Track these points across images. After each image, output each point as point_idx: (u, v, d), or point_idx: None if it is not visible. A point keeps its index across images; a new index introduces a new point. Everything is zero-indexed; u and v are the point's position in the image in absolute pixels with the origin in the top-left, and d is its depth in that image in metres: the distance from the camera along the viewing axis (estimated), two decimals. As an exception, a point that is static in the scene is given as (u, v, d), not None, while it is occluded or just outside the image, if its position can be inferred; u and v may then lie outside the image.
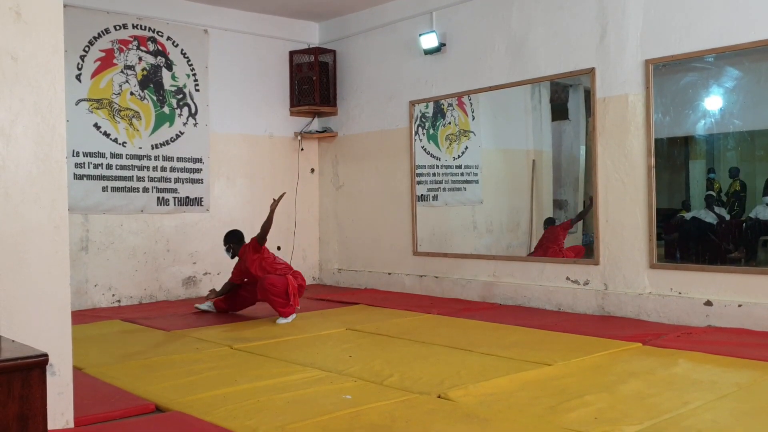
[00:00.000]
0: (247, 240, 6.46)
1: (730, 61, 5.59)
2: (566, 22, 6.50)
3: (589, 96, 6.38)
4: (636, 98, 5.99)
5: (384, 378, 4.10)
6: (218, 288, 7.00)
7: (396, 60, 8.11)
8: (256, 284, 6.27)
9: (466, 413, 3.42)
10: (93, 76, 7.26)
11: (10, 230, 3.07)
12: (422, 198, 7.95)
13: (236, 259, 6.52)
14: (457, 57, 7.47)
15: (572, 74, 6.52)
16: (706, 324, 5.54)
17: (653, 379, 4.01)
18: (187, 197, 7.87)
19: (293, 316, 6.18)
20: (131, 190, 7.47)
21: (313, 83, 8.59)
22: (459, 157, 7.84)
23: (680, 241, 6.08)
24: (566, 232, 6.97)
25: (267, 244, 6.42)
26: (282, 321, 6.07)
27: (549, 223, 7.18)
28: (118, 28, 7.44)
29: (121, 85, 7.45)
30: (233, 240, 6.51)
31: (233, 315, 6.55)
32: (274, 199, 6.38)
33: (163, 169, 7.70)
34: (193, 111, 7.97)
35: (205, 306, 6.73)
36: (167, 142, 7.75)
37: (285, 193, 6.71)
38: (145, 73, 7.63)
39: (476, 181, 7.87)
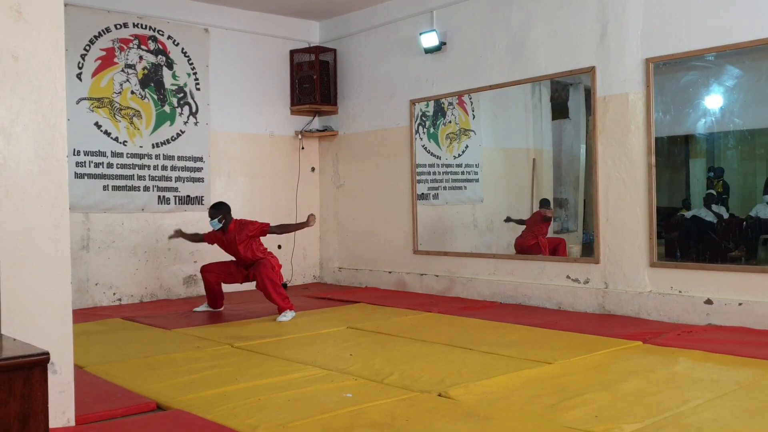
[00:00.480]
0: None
1: (730, 60, 5.59)
2: (566, 20, 6.50)
3: (589, 95, 6.38)
4: (636, 97, 5.99)
5: (384, 376, 4.10)
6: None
7: (396, 59, 8.11)
8: (224, 265, 6.48)
9: (467, 411, 3.42)
10: (94, 75, 7.26)
11: (12, 229, 3.08)
12: (423, 197, 7.95)
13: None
14: (457, 56, 7.47)
15: (573, 73, 6.52)
16: (707, 322, 5.54)
17: (653, 377, 4.01)
18: (188, 196, 7.88)
19: (293, 314, 6.19)
20: (132, 188, 7.48)
21: (314, 82, 8.59)
22: (459, 155, 7.84)
23: (680, 239, 6.08)
24: (545, 223, 7.08)
25: (267, 243, 6.56)
26: (282, 319, 6.08)
27: (541, 204, 7.20)
28: (118, 26, 7.44)
29: (121, 84, 7.46)
30: (226, 210, 6.43)
31: (234, 314, 6.55)
32: (311, 216, 6.40)
33: (164, 167, 7.70)
34: (193, 110, 7.97)
35: (202, 308, 6.74)
36: (168, 141, 7.75)
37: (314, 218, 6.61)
38: (145, 72, 7.63)
39: (477, 180, 7.87)
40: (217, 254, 6.96)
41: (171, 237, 6.82)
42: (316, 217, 6.41)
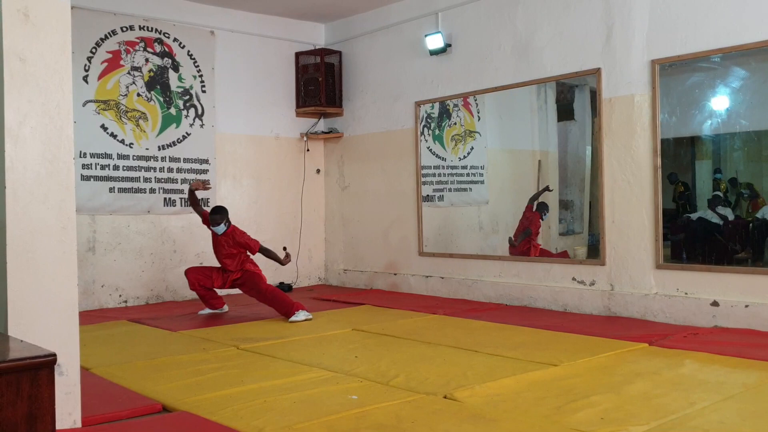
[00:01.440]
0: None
1: (736, 61, 5.57)
2: (572, 22, 6.50)
3: (595, 96, 6.38)
4: (642, 98, 5.98)
5: (390, 378, 4.10)
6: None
7: (401, 61, 8.11)
8: (206, 269, 6.63)
9: (473, 413, 3.42)
10: (100, 77, 7.29)
11: (19, 231, 3.09)
12: (428, 198, 7.95)
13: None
14: (462, 57, 7.47)
15: (578, 74, 6.51)
16: (713, 324, 5.53)
17: (659, 379, 4.00)
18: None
19: (306, 314, 6.21)
20: (138, 191, 7.50)
21: (319, 84, 8.61)
22: (465, 157, 7.84)
23: (686, 241, 6.07)
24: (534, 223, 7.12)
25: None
26: (300, 318, 6.13)
27: (538, 207, 7.16)
28: (124, 29, 7.46)
29: (128, 87, 7.48)
30: (227, 214, 6.49)
31: (239, 315, 6.56)
32: (288, 255, 6.56)
33: (170, 170, 7.72)
34: (199, 112, 7.99)
35: (206, 311, 6.76)
36: (174, 143, 7.77)
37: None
38: (151, 74, 7.65)
39: (482, 182, 7.86)
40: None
41: (192, 187, 6.63)
42: (291, 257, 6.68)
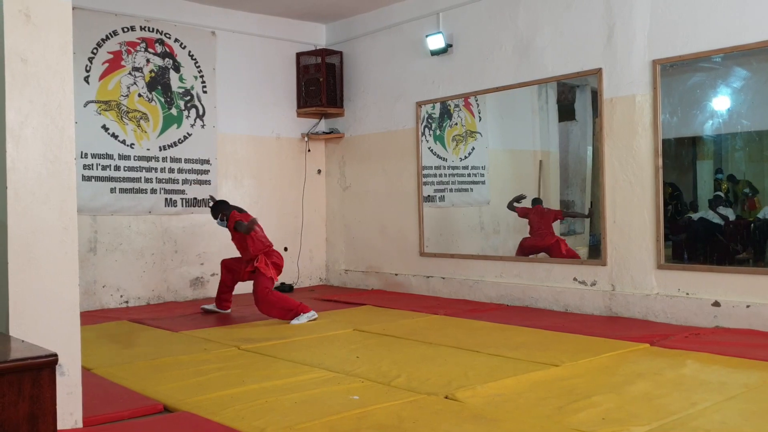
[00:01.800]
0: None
1: (737, 61, 5.57)
2: (573, 22, 6.50)
3: (596, 96, 6.37)
4: (643, 99, 5.98)
5: (391, 379, 4.10)
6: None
7: (402, 61, 8.11)
8: (235, 260, 6.63)
9: (474, 414, 3.42)
10: (101, 78, 7.29)
11: (20, 231, 3.09)
12: (429, 199, 7.95)
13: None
14: (463, 58, 7.47)
15: (579, 75, 6.51)
16: (714, 325, 5.53)
17: (661, 379, 4.00)
18: (195, 198, 7.90)
19: (309, 315, 6.15)
20: (139, 191, 7.50)
21: (320, 84, 8.61)
22: (466, 157, 7.84)
23: (688, 241, 6.06)
24: (553, 220, 7.09)
25: (274, 246, 6.61)
26: (302, 320, 6.08)
27: (534, 203, 7.19)
28: (125, 30, 7.47)
29: (129, 87, 7.48)
30: (223, 207, 6.56)
31: (241, 316, 6.57)
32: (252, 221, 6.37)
33: (171, 170, 7.73)
34: (200, 112, 7.99)
35: (210, 307, 6.77)
36: (175, 144, 7.78)
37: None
38: (153, 74, 7.65)
39: (483, 182, 7.86)
40: (226, 253, 6.98)
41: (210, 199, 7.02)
42: (257, 222, 6.38)
